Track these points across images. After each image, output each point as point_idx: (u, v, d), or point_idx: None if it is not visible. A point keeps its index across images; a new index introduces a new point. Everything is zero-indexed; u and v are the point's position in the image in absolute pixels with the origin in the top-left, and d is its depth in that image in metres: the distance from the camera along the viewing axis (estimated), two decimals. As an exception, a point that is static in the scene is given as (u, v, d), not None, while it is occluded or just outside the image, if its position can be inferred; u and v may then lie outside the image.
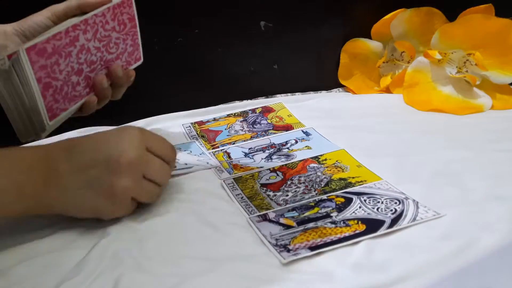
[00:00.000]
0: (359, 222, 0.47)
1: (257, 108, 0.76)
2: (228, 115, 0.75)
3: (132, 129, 0.48)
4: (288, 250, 0.44)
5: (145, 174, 0.47)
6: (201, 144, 0.66)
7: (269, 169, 0.59)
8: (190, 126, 0.72)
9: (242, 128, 0.70)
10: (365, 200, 0.51)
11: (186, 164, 0.61)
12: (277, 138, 0.67)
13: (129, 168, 0.45)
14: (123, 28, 0.56)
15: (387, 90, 0.81)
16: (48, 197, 0.44)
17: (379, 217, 0.48)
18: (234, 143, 0.66)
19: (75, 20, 0.50)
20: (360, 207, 0.49)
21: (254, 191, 0.54)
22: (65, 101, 0.51)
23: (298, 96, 0.82)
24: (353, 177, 0.55)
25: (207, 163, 0.61)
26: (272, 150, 0.64)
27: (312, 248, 0.44)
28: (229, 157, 0.63)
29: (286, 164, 0.59)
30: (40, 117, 0.48)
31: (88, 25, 0.51)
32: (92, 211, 0.47)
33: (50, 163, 0.44)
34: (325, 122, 0.70)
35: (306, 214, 0.49)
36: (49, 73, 0.48)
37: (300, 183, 0.55)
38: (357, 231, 0.46)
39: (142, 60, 0.61)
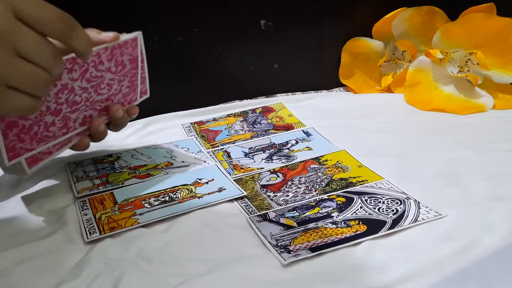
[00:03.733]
0: (360, 223, 0.47)
1: (257, 108, 0.76)
2: (228, 115, 0.75)
3: None
4: (289, 251, 0.43)
5: (16, 50, 0.35)
6: (200, 143, 0.66)
7: (270, 170, 0.58)
8: (189, 126, 0.72)
9: (242, 128, 0.70)
10: (366, 200, 0.50)
11: (183, 162, 0.60)
12: (278, 138, 0.67)
13: None
14: (121, 69, 0.51)
15: (388, 89, 0.81)
16: None
17: (381, 217, 0.47)
18: (234, 143, 0.66)
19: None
20: (361, 207, 0.49)
21: (254, 192, 0.54)
22: (33, 141, 0.45)
23: (299, 95, 0.81)
24: (354, 177, 0.55)
25: (205, 161, 0.61)
26: (272, 150, 0.63)
27: (312, 249, 0.43)
28: (229, 156, 0.62)
29: (286, 165, 0.59)
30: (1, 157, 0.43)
31: (76, 64, 0.45)
32: None
33: None
34: (326, 121, 0.70)
35: (307, 214, 0.49)
36: None
37: (301, 184, 0.55)
38: (358, 232, 0.45)
39: (148, 94, 0.57)
